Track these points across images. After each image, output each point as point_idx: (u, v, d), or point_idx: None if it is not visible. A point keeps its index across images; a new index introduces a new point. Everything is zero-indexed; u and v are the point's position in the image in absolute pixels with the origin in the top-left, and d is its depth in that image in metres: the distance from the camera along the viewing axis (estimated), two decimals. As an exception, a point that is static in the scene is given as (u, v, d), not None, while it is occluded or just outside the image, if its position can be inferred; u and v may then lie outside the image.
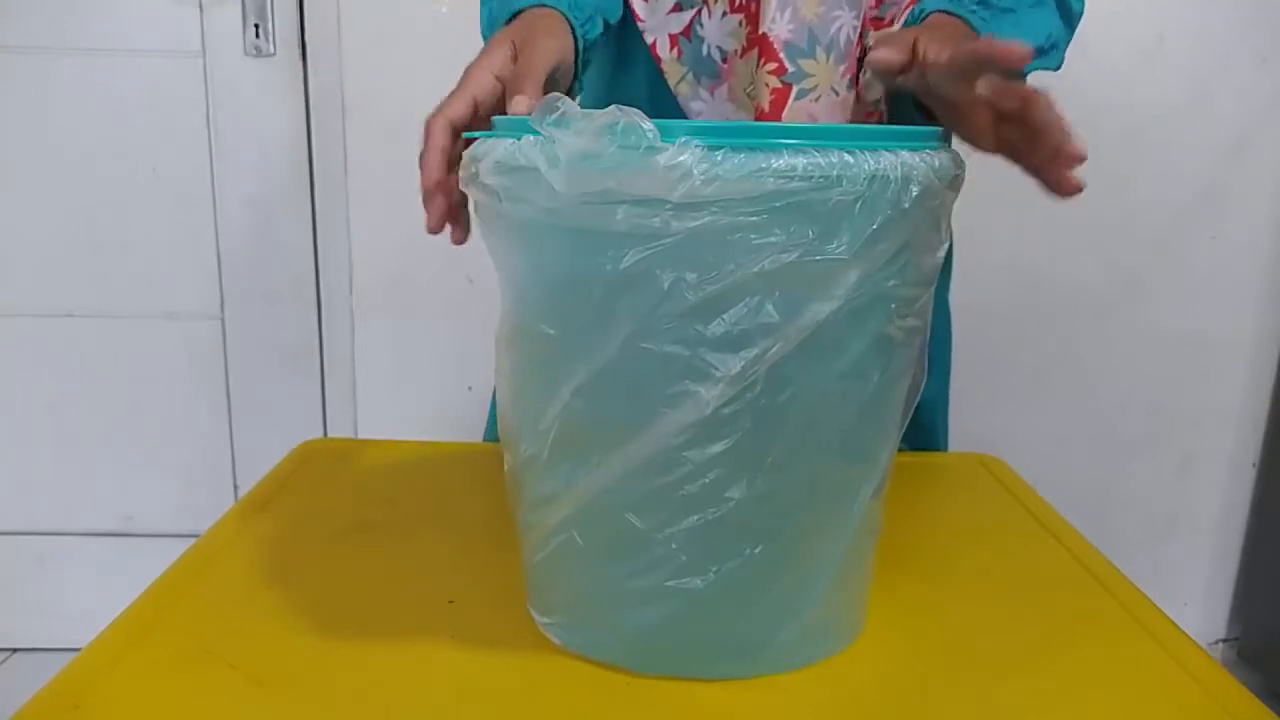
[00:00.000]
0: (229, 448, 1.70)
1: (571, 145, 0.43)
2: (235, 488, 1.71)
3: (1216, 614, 1.81)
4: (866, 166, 0.43)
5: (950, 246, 0.90)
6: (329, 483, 0.76)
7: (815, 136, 0.43)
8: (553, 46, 0.60)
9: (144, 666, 0.50)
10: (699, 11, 0.75)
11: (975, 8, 0.65)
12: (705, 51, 0.76)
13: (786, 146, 0.42)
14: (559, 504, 0.50)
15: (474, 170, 0.48)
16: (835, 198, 0.43)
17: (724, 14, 0.75)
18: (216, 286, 1.63)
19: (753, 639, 0.51)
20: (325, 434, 1.67)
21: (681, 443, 0.46)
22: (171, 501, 1.71)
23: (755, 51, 0.74)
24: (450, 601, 0.57)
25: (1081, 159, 0.49)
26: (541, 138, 0.44)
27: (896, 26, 0.72)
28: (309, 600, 0.57)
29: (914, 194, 0.45)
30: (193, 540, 0.64)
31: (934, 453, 0.89)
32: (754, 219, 0.43)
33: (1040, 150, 0.51)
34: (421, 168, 0.55)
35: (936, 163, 0.46)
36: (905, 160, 0.44)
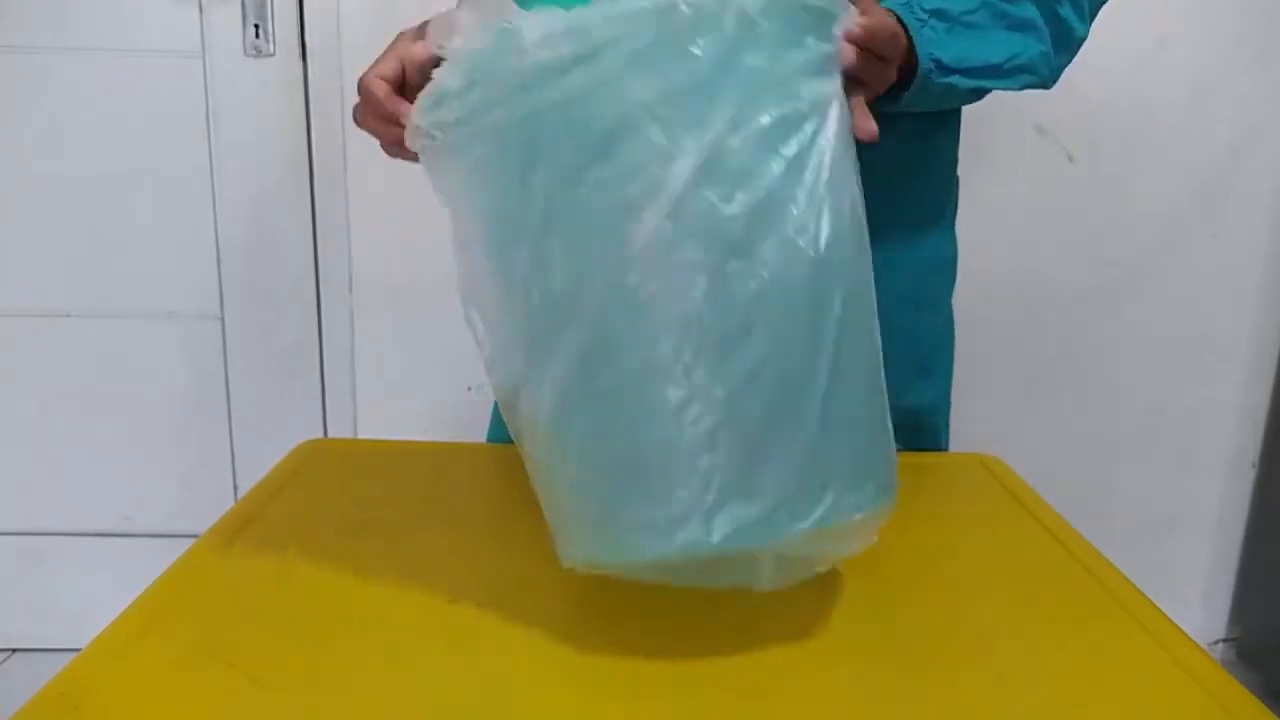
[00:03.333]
0: (228, 447, 1.70)
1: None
2: (235, 488, 1.71)
3: (1216, 614, 1.81)
4: None
5: (954, 249, 0.90)
6: (329, 483, 0.76)
7: None
8: None
9: (144, 666, 0.50)
10: None
11: (926, 17, 0.66)
12: None
13: None
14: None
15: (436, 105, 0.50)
16: None
17: None
18: (216, 286, 1.63)
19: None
20: (325, 434, 1.67)
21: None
22: (171, 501, 1.71)
23: None
24: (450, 601, 0.57)
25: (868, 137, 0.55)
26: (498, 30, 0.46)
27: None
28: (309, 600, 0.57)
29: None
30: (192, 540, 0.64)
31: (934, 453, 0.89)
32: None
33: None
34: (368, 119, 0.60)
35: None
36: None
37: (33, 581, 1.73)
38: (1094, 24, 0.79)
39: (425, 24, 0.56)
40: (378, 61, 0.59)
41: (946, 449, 0.92)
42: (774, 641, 0.54)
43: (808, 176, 0.47)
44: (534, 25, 0.46)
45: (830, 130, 0.49)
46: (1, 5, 1.51)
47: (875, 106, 0.58)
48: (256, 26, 1.52)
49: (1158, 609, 0.59)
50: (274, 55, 1.54)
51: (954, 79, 0.69)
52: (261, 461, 0.81)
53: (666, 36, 0.45)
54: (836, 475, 0.48)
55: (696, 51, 0.45)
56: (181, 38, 1.53)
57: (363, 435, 1.67)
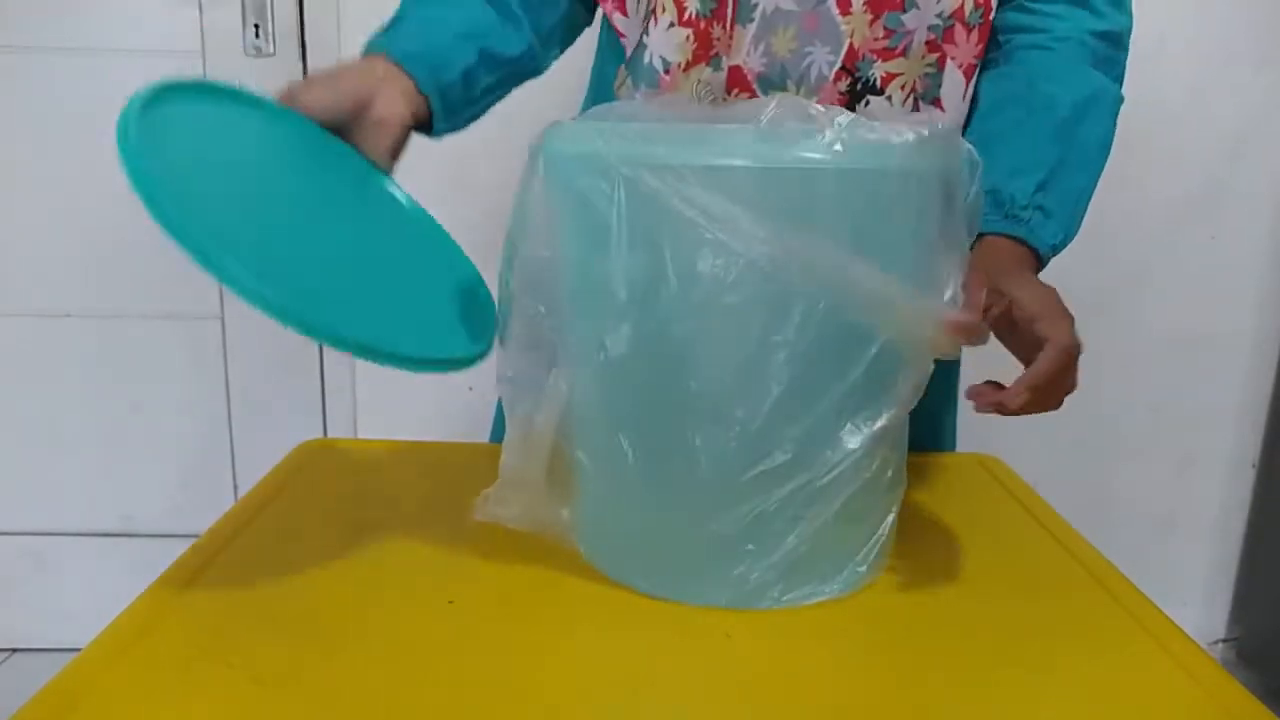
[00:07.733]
0: (228, 447, 1.70)
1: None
2: (235, 488, 1.71)
3: (1216, 614, 1.81)
4: None
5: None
6: (329, 483, 0.76)
7: None
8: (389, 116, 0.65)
9: (144, 666, 0.50)
10: (646, 21, 0.76)
11: (1025, 209, 0.68)
12: (647, 60, 0.76)
13: None
14: None
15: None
16: None
17: (670, 25, 0.75)
18: (216, 286, 1.62)
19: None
20: (325, 434, 1.67)
21: None
22: (171, 501, 1.71)
23: (703, 67, 0.75)
24: (450, 602, 0.57)
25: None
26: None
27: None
28: (309, 600, 0.57)
29: None
30: (192, 540, 0.64)
31: (934, 453, 0.89)
32: None
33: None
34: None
35: None
36: None
37: (33, 581, 1.73)
38: None
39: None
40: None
41: (954, 447, 0.92)
42: (773, 643, 0.54)
43: None
44: None
45: None
46: (1, 5, 1.51)
47: None
48: (256, 26, 1.52)
49: (1158, 609, 0.59)
50: (274, 55, 1.53)
51: (1071, 232, 0.72)
52: (261, 461, 0.81)
53: None
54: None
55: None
56: (181, 38, 1.53)
57: (363, 435, 1.67)
